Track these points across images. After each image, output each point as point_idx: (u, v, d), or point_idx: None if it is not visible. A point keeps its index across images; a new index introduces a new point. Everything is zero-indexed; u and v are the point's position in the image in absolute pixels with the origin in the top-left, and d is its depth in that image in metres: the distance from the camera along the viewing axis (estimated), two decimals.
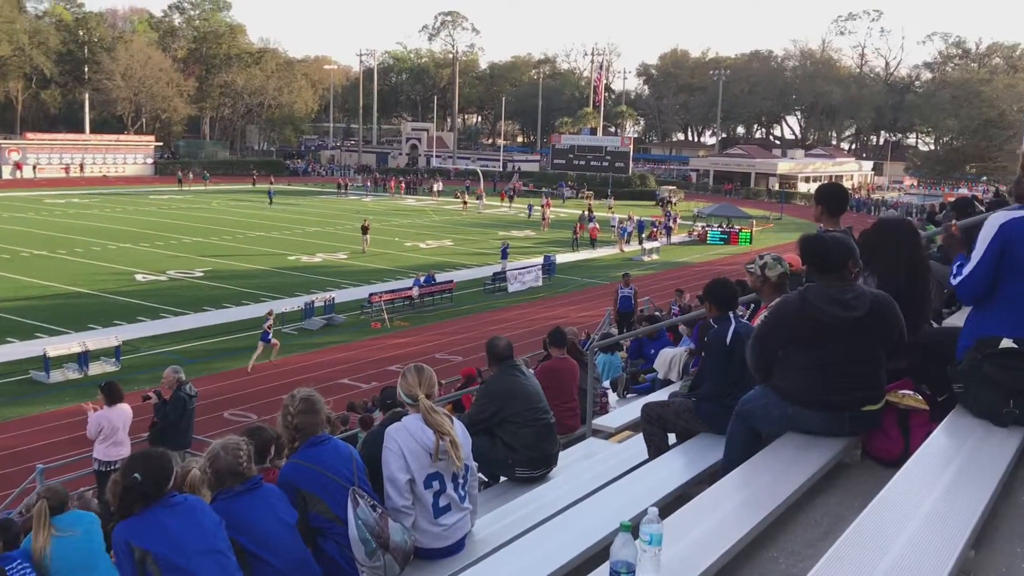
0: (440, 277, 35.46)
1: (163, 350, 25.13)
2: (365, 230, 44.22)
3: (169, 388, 11.33)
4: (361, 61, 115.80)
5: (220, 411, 20.12)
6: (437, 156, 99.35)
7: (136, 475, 3.54)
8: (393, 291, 32.46)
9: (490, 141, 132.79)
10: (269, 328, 24.25)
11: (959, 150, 72.38)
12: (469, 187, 74.40)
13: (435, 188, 78.02)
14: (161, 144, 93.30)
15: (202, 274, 36.35)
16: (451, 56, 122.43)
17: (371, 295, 31.14)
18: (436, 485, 4.22)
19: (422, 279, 33.85)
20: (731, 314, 5.67)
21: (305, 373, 22.95)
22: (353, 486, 3.99)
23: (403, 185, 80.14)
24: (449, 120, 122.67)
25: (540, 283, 37.10)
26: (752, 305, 7.67)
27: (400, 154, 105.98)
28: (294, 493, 3.98)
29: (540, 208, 59.41)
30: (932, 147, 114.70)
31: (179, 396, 11.30)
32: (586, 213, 54.56)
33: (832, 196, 5.85)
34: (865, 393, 4.37)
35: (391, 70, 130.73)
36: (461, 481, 4.35)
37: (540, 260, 40.53)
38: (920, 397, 4.54)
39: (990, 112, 63.41)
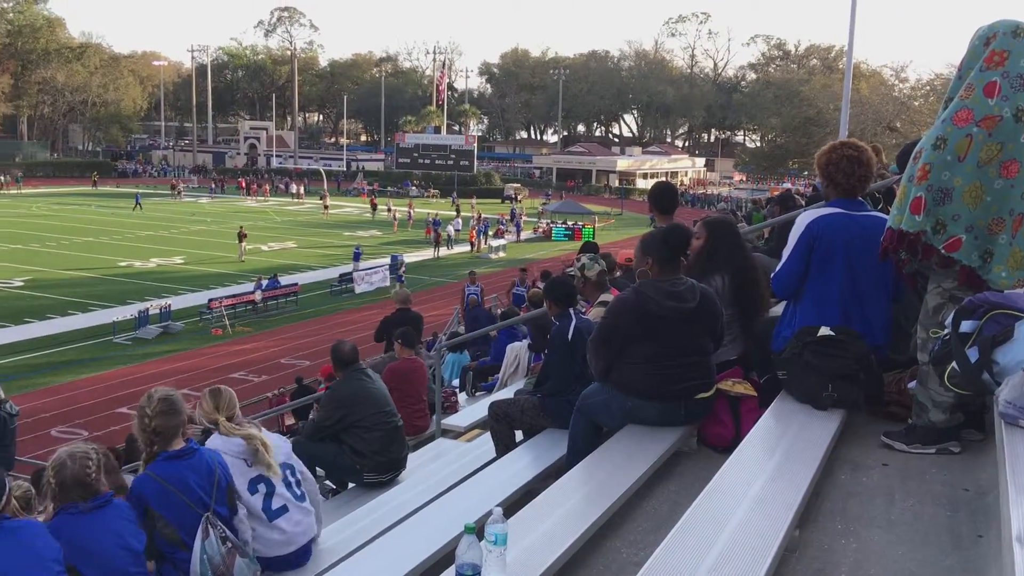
0: (284, 280, 34.66)
1: None
2: (241, 237, 42.18)
3: None
4: (193, 57, 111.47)
5: (47, 428, 18.91)
6: (278, 156, 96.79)
7: None
8: (234, 295, 31.43)
9: (332, 140, 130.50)
10: None
11: (782, 147, 76.47)
12: (351, 190, 74.29)
13: (294, 189, 75.98)
14: None
15: (22, 283, 34.05)
16: (289, 53, 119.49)
17: (210, 300, 30.04)
18: (263, 488, 4.13)
19: (265, 282, 32.92)
20: (571, 311, 5.80)
21: (139, 385, 21.85)
22: (207, 512, 3.74)
23: (266, 188, 76.73)
24: (289, 119, 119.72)
25: (388, 283, 36.81)
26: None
27: (238, 153, 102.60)
28: (143, 511, 3.71)
29: (404, 208, 58.65)
30: (758, 144, 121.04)
31: None
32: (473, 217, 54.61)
33: (662, 195, 6.06)
34: (698, 382, 4.53)
35: (226, 67, 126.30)
36: (293, 480, 4.26)
37: (387, 260, 40.26)
38: (748, 384, 4.76)
39: (809, 111, 67.26)
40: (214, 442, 4.12)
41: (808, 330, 4.32)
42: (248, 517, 4.04)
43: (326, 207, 62.20)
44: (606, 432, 4.67)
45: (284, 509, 4.16)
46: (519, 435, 5.95)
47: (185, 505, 3.71)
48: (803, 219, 4.49)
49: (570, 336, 5.64)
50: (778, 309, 6.76)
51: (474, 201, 67.63)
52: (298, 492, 4.26)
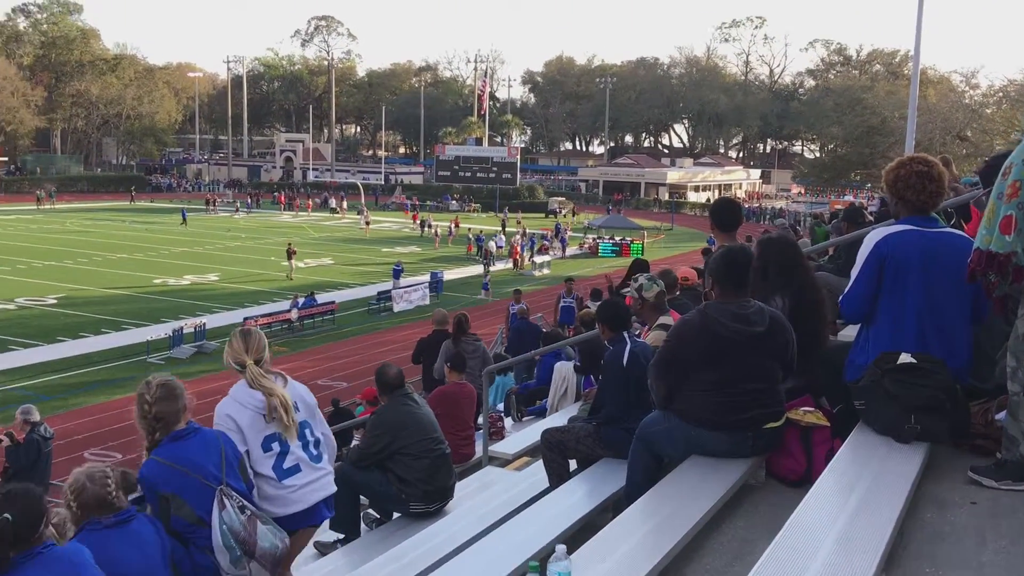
0: (321, 298, 34.97)
1: (14, 386, 23.87)
2: (291, 254, 42.68)
3: (21, 429, 10.76)
4: (229, 68, 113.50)
5: (80, 451, 19.23)
6: (314, 169, 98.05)
7: (7, 515, 3.10)
8: (270, 314, 31.77)
9: (370, 153, 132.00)
10: None
11: (843, 157, 75.57)
12: (389, 204, 75.25)
13: (333, 203, 77.12)
14: (6, 159, 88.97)
15: (55, 301, 34.75)
16: (326, 63, 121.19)
17: (246, 319, 30.38)
18: (276, 447, 4.10)
19: (301, 301, 33.25)
20: (625, 334, 5.77)
21: None
22: (220, 485, 3.79)
23: (309, 203, 77.66)
24: (326, 131, 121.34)
25: (427, 301, 37.00)
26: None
27: (274, 167, 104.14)
28: (155, 496, 3.77)
29: (448, 224, 59.11)
30: (817, 154, 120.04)
31: (33, 438, 10.74)
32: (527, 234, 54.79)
33: (724, 211, 6.01)
34: (766, 411, 4.47)
35: (261, 78, 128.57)
36: (312, 440, 4.25)
37: (427, 277, 40.47)
38: (820, 413, 4.68)
39: (872, 119, 66.45)
40: (236, 392, 4.14)
41: (887, 357, 4.24)
42: (256, 477, 4.04)
43: (367, 223, 62.61)
44: (667, 463, 4.63)
45: (296, 468, 4.13)
46: (573, 464, 5.92)
47: (197, 482, 3.76)
48: (872, 237, 4.43)
49: (625, 361, 5.61)
50: (847, 332, 6.66)
51: (520, 215, 67.93)
52: (314, 452, 4.24)
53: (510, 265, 48.05)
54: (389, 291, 37.14)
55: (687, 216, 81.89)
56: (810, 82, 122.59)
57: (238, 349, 4.23)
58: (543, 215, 75.21)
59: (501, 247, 49.68)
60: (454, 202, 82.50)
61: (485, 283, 40.25)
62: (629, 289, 5.95)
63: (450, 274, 43.97)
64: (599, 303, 6.21)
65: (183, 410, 3.91)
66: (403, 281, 39.26)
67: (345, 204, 76.22)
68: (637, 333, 7.87)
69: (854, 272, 4.45)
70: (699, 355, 4.40)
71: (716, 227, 6.01)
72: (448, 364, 8.67)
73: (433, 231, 57.31)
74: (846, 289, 4.49)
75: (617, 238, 55.86)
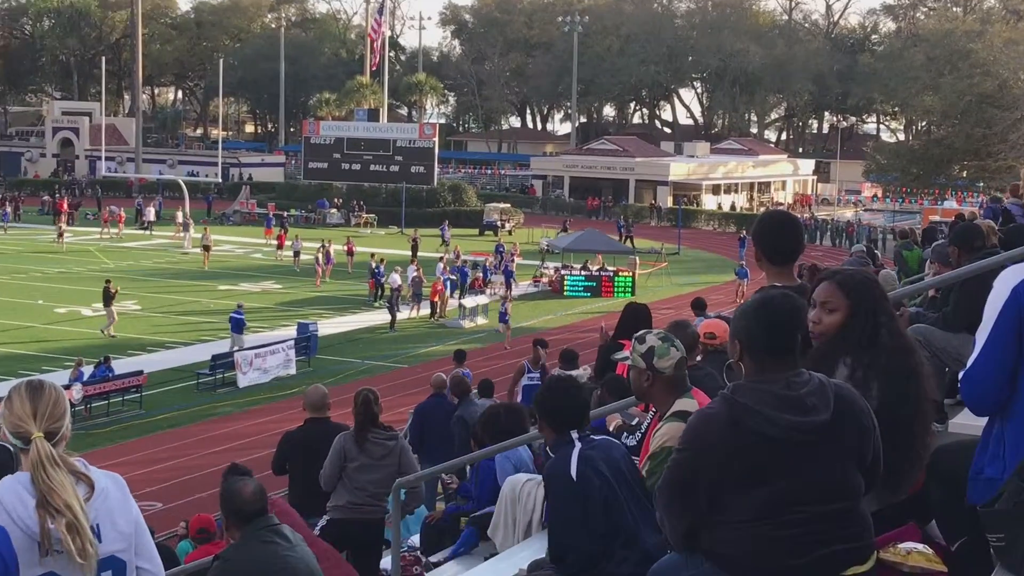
0: (121, 366, 34.70)
1: None
2: (109, 295, 42.02)
3: None
4: None
5: None
6: (110, 158, 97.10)
7: None
8: None
9: (199, 132, 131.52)
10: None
11: (942, 141, 77.14)
12: (230, 215, 74.68)
13: (151, 214, 75.69)
14: None
15: None
16: None
17: None
18: None
19: (88, 371, 32.94)
20: (573, 433, 5.87)
21: None
22: None
23: (120, 215, 74.29)
24: (129, 98, 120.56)
25: (294, 370, 36.88)
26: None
27: (42, 155, 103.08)
28: None
29: (322, 246, 58.11)
30: (902, 136, 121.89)
31: None
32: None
33: (776, 234, 6.05)
34: (847, 547, 4.47)
35: (23, 13, 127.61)
36: None
37: (291, 332, 40.38)
38: (931, 552, 4.71)
39: (985, 82, 67.79)
40: (7, 487, 3.87)
41: None
42: None
43: (206, 247, 60.96)
44: None
45: None
46: None
47: None
48: (1008, 280, 4.44)
49: (575, 473, 5.71)
50: (963, 420, 6.75)
51: (449, 233, 67.63)
52: None
53: (427, 310, 47.92)
54: (230, 354, 36.86)
55: (701, 232, 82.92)
56: (888, 24, 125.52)
57: (19, 413, 4.03)
58: (476, 232, 75.41)
59: (419, 281, 49.13)
60: (334, 211, 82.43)
61: (503, 311, 43.41)
62: (627, 354, 5.96)
63: (330, 326, 43.96)
64: (545, 383, 6.29)
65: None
66: (252, 338, 38.85)
67: (188, 224, 72.84)
68: (637, 422, 7.90)
69: (980, 335, 4.46)
70: (731, 469, 4.36)
71: (765, 257, 6.05)
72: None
73: (317, 256, 55.97)
74: (968, 361, 4.51)
75: (593, 268, 56.19)
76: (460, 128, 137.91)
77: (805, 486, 4.38)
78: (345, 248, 58.66)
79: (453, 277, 50.95)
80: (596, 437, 6.09)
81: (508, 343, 41.99)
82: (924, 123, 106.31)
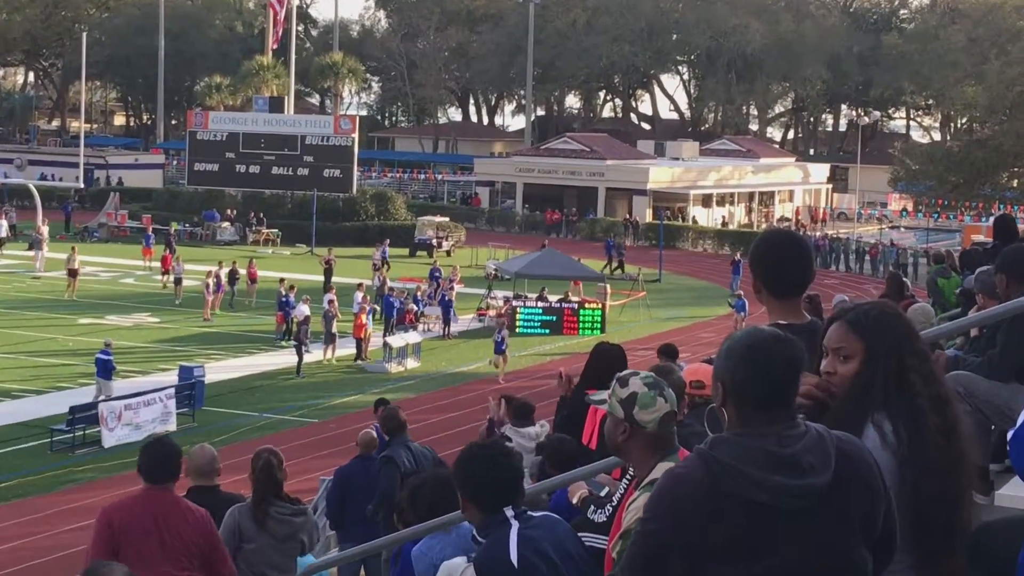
0: None
1: None
2: None
3: None
4: None
5: None
6: None
7: None
8: None
9: (56, 124, 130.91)
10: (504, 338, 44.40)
11: (988, 142, 77.73)
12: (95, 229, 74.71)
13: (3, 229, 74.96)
14: None
15: None
16: None
17: None
18: None
19: None
20: (507, 511, 5.96)
21: None
22: None
23: None
24: None
25: (174, 425, 36.60)
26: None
27: None
28: None
29: (215, 271, 57.77)
30: (938, 136, 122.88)
31: None
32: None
33: (780, 260, 6.07)
34: None
35: None
36: None
37: (171, 378, 40.18)
38: None
39: None
40: None
41: None
42: None
43: (72, 273, 60.24)
44: None
45: None
46: None
47: None
48: None
49: (515, 559, 5.76)
50: (1015, 490, 6.80)
51: (381, 252, 67.36)
52: None
53: (348, 350, 47.79)
54: (94, 404, 36.60)
55: (687, 253, 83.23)
56: None
57: None
58: (406, 252, 75.34)
59: (333, 316, 48.86)
60: (227, 226, 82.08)
61: (499, 340, 45.17)
62: (605, 396, 5.95)
63: (221, 370, 43.88)
64: (465, 450, 6.30)
65: None
66: (121, 385, 38.67)
67: (35, 233, 72.63)
68: (607, 493, 7.88)
69: None
70: (709, 543, 4.36)
71: (765, 287, 6.06)
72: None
73: (207, 283, 55.66)
74: (1021, 417, 4.53)
75: (553, 298, 56.29)
76: (386, 122, 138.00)
77: (800, 564, 4.39)
78: (247, 273, 58.28)
79: (375, 307, 50.54)
80: (536, 513, 6.12)
81: (503, 378, 43.03)
82: (965, 120, 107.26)
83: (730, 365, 4.47)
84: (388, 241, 71.62)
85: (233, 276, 57.53)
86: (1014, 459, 4.57)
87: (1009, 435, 4.58)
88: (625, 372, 6.00)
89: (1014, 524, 4.91)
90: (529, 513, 6.06)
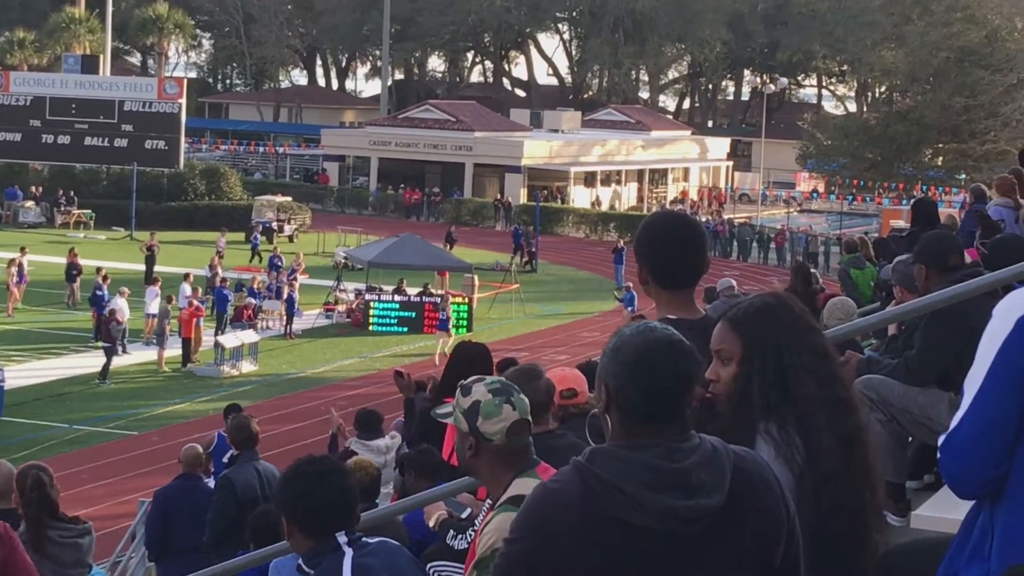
0: None
1: None
2: None
3: None
4: None
5: None
6: None
7: None
8: None
9: None
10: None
11: (908, 115, 78.59)
12: None
13: None
14: None
15: None
16: None
17: None
18: None
19: None
20: (340, 537, 6.04)
21: None
22: None
23: None
24: None
25: None
26: None
27: None
28: None
29: (16, 260, 57.19)
30: (854, 108, 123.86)
31: None
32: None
33: (669, 246, 6.09)
34: None
35: None
36: None
37: None
38: None
39: (967, 32, 69.25)
40: None
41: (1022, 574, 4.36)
42: None
43: None
44: None
45: None
46: None
47: None
48: (1010, 307, 4.50)
49: None
50: (933, 510, 6.89)
51: (223, 239, 66.81)
52: None
53: (177, 349, 47.44)
54: None
55: (569, 242, 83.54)
56: None
57: None
58: (242, 237, 75.00)
59: (166, 312, 48.54)
60: (31, 205, 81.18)
61: (444, 319, 45.60)
62: (450, 408, 5.95)
63: (23, 374, 43.57)
64: (289, 468, 6.34)
65: None
66: None
67: None
68: (469, 515, 7.90)
69: (970, 386, 4.49)
70: (585, 564, 4.37)
71: (652, 278, 6.08)
72: None
73: (10, 272, 55.12)
74: (952, 421, 4.55)
75: (412, 291, 56.37)
76: (219, 86, 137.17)
77: None
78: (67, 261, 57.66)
79: (201, 302, 49.97)
80: (371, 540, 6.14)
81: (439, 356, 44.65)
82: (884, 89, 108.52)
83: (616, 370, 4.42)
84: (259, 227, 71.77)
85: (73, 270, 56.75)
86: (944, 468, 4.58)
87: (940, 442, 4.58)
88: (470, 379, 5.93)
89: (928, 547, 4.96)
90: (364, 539, 6.07)
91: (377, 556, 5.90)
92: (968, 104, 67.89)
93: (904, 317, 9.22)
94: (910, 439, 8.57)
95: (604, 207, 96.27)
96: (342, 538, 5.92)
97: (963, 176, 78.93)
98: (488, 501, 6.58)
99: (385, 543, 6.22)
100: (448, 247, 69.70)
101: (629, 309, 50.78)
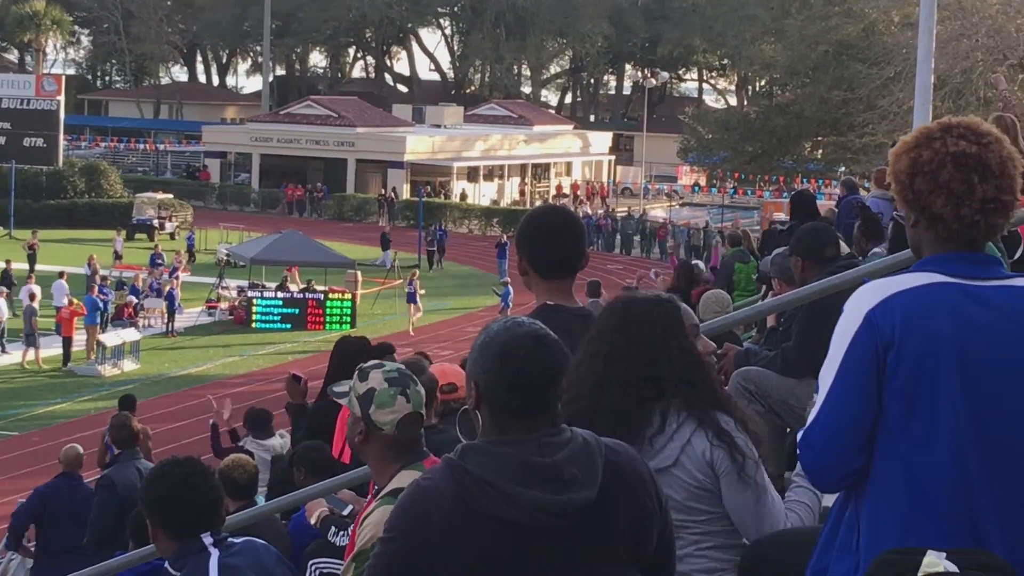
0: None
1: None
2: None
3: None
4: None
5: None
6: None
7: None
8: None
9: None
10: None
11: (788, 108, 79.07)
12: None
13: None
14: None
15: None
16: None
17: None
18: None
19: None
20: (205, 538, 6.01)
21: None
22: None
23: None
24: None
25: None
26: None
27: None
28: None
29: None
30: (734, 102, 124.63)
31: None
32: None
33: (541, 238, 6.12)
34: None
35: None
36: None
37: None
38: None
39: (845, 26, 69.83)
40: None
41: (896, 559, 4.39)
42: None
43: None
44: None
45: None
46: None
47: None
48: (860, 301, 4.52)
49: None
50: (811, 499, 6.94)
51: (120, 241, 66.27)
52: None
53: (53, 351, 47.08)
54: None
55: (452, 237, 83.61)
56: None
57: None
58: (122, 233, 74.48)
59: (33, 311, 48.06)
60: None
61: (411, 291, 47.99)
62: (346, 389, 5.93)
63: None
64: (153, 469, 6.35)
65: None
66: None
67: None
68: (351, 512, 7.89)
69: (824, 379, 4.54)
70: (457, 565, 4.36)
71: (532, 268, 6.10)
72: None
73: None
74: (809, 415, 4.59)
75: (293, 288, 56.14)
76: (99, 82, 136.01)
77: None
78: None
79: (71, 300, 49.37)
80: (236, 540, 6.16)
81: (413, 328, 46.37)
82: (764, 82, 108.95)
83: (484, 365, 4.45)
84: (123, 232, 70.98)
85: (6, 277, 56.10)
86: (803, 462, 4.61)
87: (799, 436, 4.61)
88: (369, 364, 5.91)
89: (799, 536, 4.99)
90: (230, 539, 6.09)
91: (243, 555, 5.92)
92: (847, 97, 68.26)
93: (779, 309, 9.30)
94: (788, 431, 8.62)
95: (488, 203, 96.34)
96: (208, 539, 5.93)
97: (842, 168, 79.25)
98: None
99: (251, 542, 6.24)
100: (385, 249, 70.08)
101: (503, 304, 50.92)
